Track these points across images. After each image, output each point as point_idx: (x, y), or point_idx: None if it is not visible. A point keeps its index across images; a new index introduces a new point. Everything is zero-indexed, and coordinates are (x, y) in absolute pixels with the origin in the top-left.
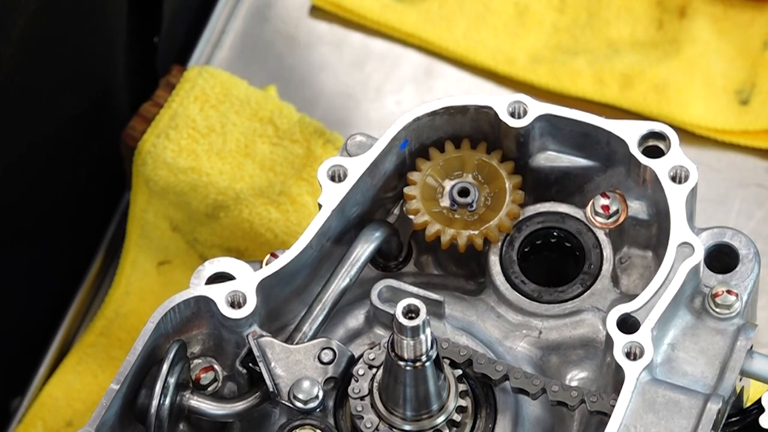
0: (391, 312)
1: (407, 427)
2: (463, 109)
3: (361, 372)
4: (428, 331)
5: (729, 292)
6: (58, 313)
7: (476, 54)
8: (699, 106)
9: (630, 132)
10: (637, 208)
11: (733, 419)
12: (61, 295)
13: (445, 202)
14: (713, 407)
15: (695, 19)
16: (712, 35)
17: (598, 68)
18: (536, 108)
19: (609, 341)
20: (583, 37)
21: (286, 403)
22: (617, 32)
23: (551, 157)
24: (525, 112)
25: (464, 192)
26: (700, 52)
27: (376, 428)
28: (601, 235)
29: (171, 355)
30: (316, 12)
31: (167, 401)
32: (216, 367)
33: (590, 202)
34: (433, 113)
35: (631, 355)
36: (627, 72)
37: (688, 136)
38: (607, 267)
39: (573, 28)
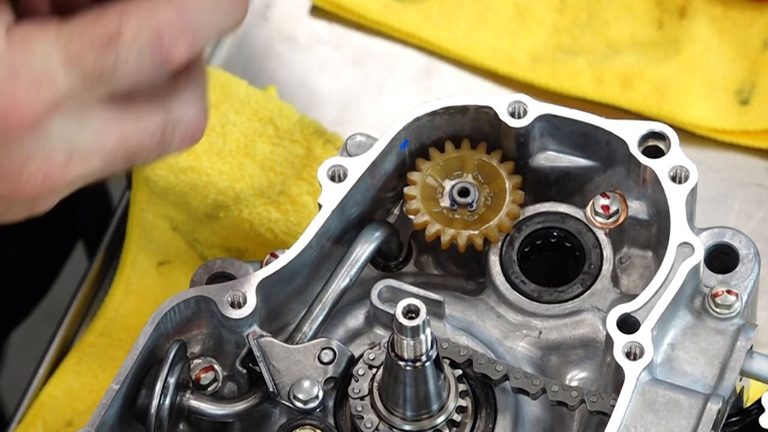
0: (391, 312)
1: (407, 427)
2: (463, 109)
3: (361, 372)
4: (428, 331)
5: (729, 292)
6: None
7: (476, 54)
8: (699, 106)
9: (630, 132)
10: (637, 208)
11: (733, 419)
12: (61, 295)
13: (445, 202)
14: (713, 407)
15: (695, 19)
16: (712, 35)
17: (598, 68)
18: (536, 108)
19: (609, 341)
20: (583, 37)
21: (286, 403)
22: (617, 32)
23: (551, 157)
24: (525, 112)
25: (464, 192)
26: (700, 52)
27: (376, 428)
28: (601, 235)
29: (171, 355)
30: (316, 12)
31: (167, 401)
32: (216, 367)
33: (590, 202)
34: (433, 113)
35: (631, 355)
36: (627, 72)
37: (688, 136)
38: (607, 267)
39: (573, 28)
